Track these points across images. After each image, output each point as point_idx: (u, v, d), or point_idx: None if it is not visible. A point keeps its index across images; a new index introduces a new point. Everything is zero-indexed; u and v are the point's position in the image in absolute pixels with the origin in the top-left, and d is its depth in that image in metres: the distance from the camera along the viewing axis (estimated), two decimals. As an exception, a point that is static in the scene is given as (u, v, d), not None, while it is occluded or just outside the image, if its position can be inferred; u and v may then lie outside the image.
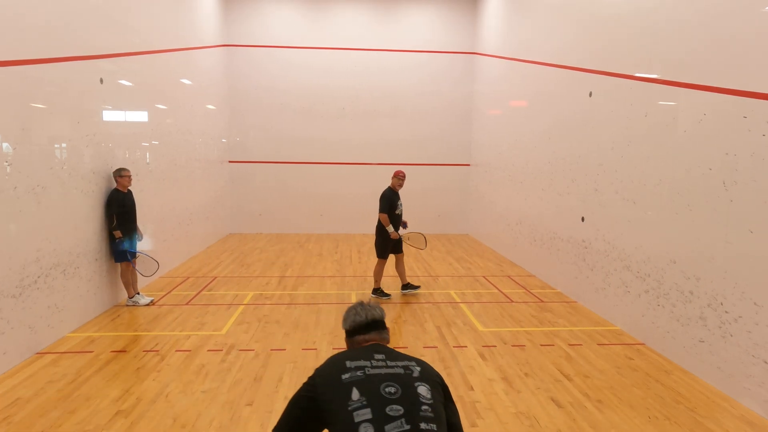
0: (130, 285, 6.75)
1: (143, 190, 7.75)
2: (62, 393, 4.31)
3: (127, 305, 6.73)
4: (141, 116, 7.94)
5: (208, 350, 5.30)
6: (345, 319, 2.25)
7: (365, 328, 2.15)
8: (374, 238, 7.65)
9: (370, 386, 1.78)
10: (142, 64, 7.86)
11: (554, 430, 3.83)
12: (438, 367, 4.93)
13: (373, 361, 1.90)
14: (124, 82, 7.24)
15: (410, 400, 1.77)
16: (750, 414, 4.10)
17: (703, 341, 4.74)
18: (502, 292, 7.74)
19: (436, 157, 13.54)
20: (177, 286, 7.87)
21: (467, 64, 13.27)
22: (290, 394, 4.33)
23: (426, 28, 13.23)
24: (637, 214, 5.80)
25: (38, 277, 5.20)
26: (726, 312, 4.45)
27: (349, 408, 1.72)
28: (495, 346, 5.50)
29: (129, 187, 6.76)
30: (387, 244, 7.38)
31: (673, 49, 5.20)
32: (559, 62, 7.96)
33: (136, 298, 6.77)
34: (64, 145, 5.77)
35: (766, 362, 4.05)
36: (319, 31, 13.03)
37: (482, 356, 5.24)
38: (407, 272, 9.11)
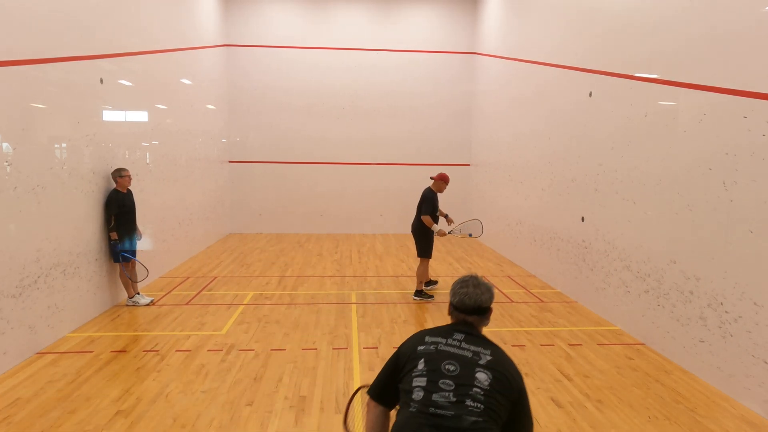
0: (130, 285, 6.75)
1: (143, 190, 7.75)
2: (62, 393, 4.31)
3: (127, 305, 6.74)
4: (141, 116, 7.94)
5: (208, 350, 5.30)
6: (454, 293, 2.30)
7: (467, 311, 2.27)
8: (409, 239, 7.86)
9: (435, 360, 2.06)
10: (142, 64, 7.86)
11: (554, 430, 3.83)
12: (438, 367, 4.94)
13: (449, 340, 2.15)
14: (124, 82, 7.24)
15: (465, 380, 1.99)
16: (750, 414, 4.10)
17: (703, 341, 4.74)
18: (502, 292, 7.74)
19: (436, 156, 13.53)
20: (177, 286, 7.87)
21: (467, 64, 13.27)
22: (290, 394, 4.37)
23: (425, 27, 13.23)
24: (637, 214, 5.80)
25: (38, 277, 5.20)
26: (726, 312, 4.45)
27: (413, 374, 2.05)
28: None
29: (129, 187, 6.75)
30: (431, 244, 7.33)
31: (673, 49, 5.20)
32: (558, 62, 7.96)
33: (136, 298, 6.77)
34: (64, 145, 5.77)
35: (766, 362, 4.05)
36: (319, 30, 13.03)
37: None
38: (408, 273, 9.11)
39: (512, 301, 7.23)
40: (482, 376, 2.01)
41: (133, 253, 6.80)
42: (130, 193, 6.77)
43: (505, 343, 5.60)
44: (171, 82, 9.21)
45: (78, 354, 5.15)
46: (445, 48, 13.29)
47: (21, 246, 4.97)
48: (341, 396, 4.34)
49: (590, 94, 6.89)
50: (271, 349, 5.35)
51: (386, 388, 2.18)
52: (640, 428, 3.87)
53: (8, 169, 4.80)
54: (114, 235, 6.47)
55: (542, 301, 7.24)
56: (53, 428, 3.76)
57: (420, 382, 2.01)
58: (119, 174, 6.58)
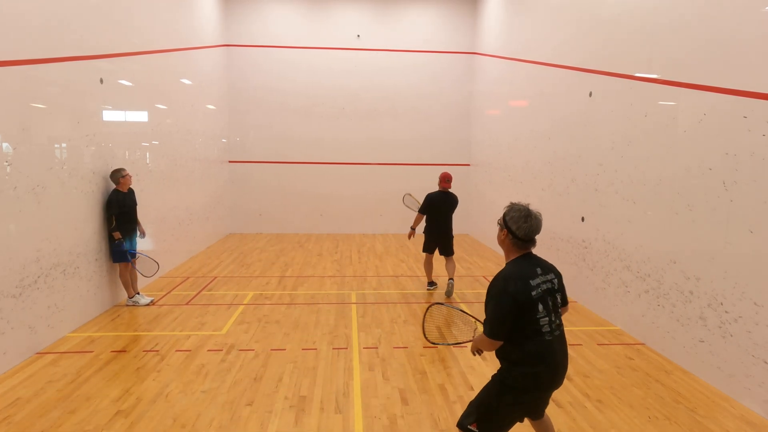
0: (130, 285, 6.75)
1: (143, 190, 7.75)
2: (62, 393, 4.31)
3: (127, 305, 6.73)
4: (141, 116, 7.94)
5: (208, 350, 5.30)
6: (518, 226, 2.73)
7: (533, 241, 2.79)
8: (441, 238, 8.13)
9: (545, 301, 2.72)
10: (142, 64, 7.86)
11: (554, 430, 3.82)
12: (438, 368, 4.95)
13: (539, 278, 2.73)
14: (124, 82, 7.24)
15: (556, 307, 2.79)
16: (750, 414, 4.10)
17: (703, 341, 4.74)
18: (502, 292, 7.73)
19: (436, 157, 13.53)
20: (177, 286, 7.87)
21: (467, 64, 13.27)
22: (290, 394, 4.37)
23: (426, 28, 13.23)
24: (637, 214, 5.80)
25: (38, 277, 5.20)
26: (726, 312, 4.45)
27: (537, 317, 2.68)
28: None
29: (130, 186, 6.76)
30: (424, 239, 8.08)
31: (673, 49, 5.20)
32: (558, 62, 7.96)
33: (136, 298, 6.77)
34: (64, 145, 5.77)
35: (766, 362, 4.05)
36: (319, 31, 13.03)
37: (482, 356, 5.24)
38: (408, 273, 9.12)
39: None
40: (559, 298, 2.83)
41: (133, 253, 6.80)
42: (131, 192, 6.77)
43: (505, 343, 5.59)
44: (171, 82, 9.21)
45: (78, 354, 5.15)
46: (445, 48, 13.29)
47: (21, 246, 4.97)
48: (341, 396, 4.34)
49: (590, 94, 6.89)
50: (271, 349, 5.35)
51: (507, 330, 2.67)
52: (640, 428, 3.87)
53: (8, 169, 4.80)
54: (117, 235, 6.48)
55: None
56: (53, 428, 3.76)
57: (544, 321, 2.69)
58: (120, 174, 6.57)
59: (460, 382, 4.63)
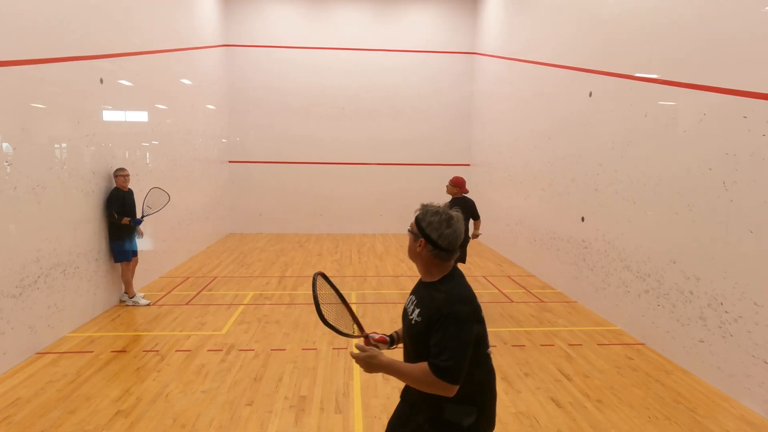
0: (131, 285, 6.77)
1: (143, 190, 7.74)
2: (62, 393, 4.31)
3: (128, 305, 6.74)
4: (141, 116, 7.94)
5: (208, 350, 5.30)
6: (441, 233, 2.09)
7: (456, 251, 2.14)
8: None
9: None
10: (142, 64, 7.86)
11: (554, 430, 3.83)
12: (438, 367, 4.93)
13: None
14: (124, 82, 7.24)
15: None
16: (750, 414, 4.10)
17: (703, 341, 4.73)
18: (502, 292, 7.74)
19: (436, 157, 13.54)
20: (177, 286, 7.87)
21: (467, 64, 13.27)
22: (290, 394, 4.36)
23: (426, 28, 13.23)
24: (637, 214, 5.80)
25: (38, 277, 5.20)
26: (726, 312, 4.45)
27: (485, 339, 2.16)
28: (495, 346, 5.50)
29: (129, 187, 6.79)
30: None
31: (673, 49, 5.20)
32: (559, 62, 7.96)
33: (137, 298, 6.78)
34: (64, 145, 5.77)
35: (766, 362, 4.05)
36: (319, 31, 13.03)
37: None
38: (408, 273, 9.12)
39: (512, 301, 7.23)
40: None
41: (134, 252, 6.85)
42: (130, 192, 6.80)
43: (506, 343, 5.60)
44: (171, 82, 9.21)
45: (78, 354, 5.15)
46: (446, 48, 13.29)
47: (21, 246, 4.97)
48: (341, 396, 4.34)
49: (590, 94, 6.89)
50: (271, 349, 5.35)
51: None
52: (640, 428, 3.87)
53: (8, 169, 4.79)
54: (126, 220, 6.55)
55: (542, 301, 7.24)
56: (53, 428, 3.76)
57: (486, 341, 2.17)
58: (117, 173, 6.63)
59: (460, 382, 4.62)
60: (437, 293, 2.07)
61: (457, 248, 2.12)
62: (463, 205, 6.56)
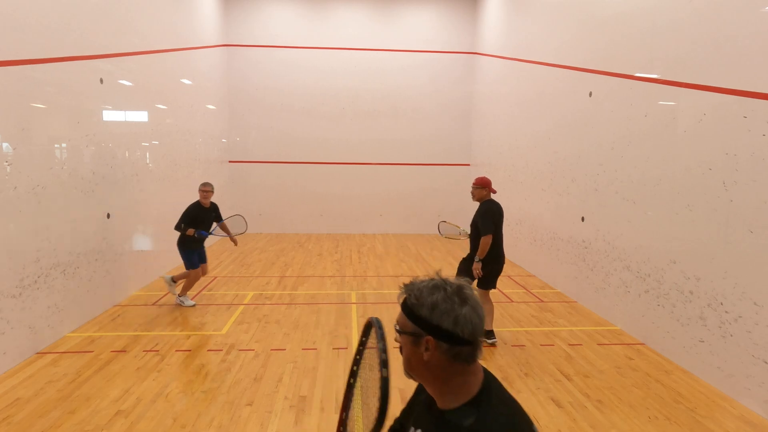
0: (188, 288, 6.87)
1: (143, 190, 7.75)
2: (62, 393, 4.31)
3: (176, 303, 6.83)
4: (141, 116, 7.94)
5: (208, 350, 5.30)
6: (456, 317, 1.26)
7: (478, 343, 1.31)
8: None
9: None
10: (142, 64, 7.86)
11: (554, 430, 3.83)
12: (438, 367, 4.93)
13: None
14: (124, 82, 7.24)
15: None
16: (750, 414, 4.10)
17: (703, 341, 4.73)
18: (502, 292, 7.74)
19: (436, 157, 13.54)
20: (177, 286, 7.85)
21: (467, 64, 13.27)
22: (290, 394, 4.35)
23: (426, 28, 13.23)
24: (637, 214, 5.80)
25: (38, 277, 5.20)
26: (726, 312, 4.45)
27: None
28: (495, 347, 5.50)
29: (213, 203, 6.90)
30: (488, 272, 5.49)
31: (673, 49, 5.20)
32: (559, 62, 7.96)
33: (184, 298, 6.82)
34: (64, 145, 5.77)
35: (766, 362, 4.04)
36: (319, 31, 13.03)
37: (482, 356, 5.23)
38: (408, 273, 9.10)
39: (512, 301, 7.23)
40: None
41: (202, 260, 6.97)
42: (211, 208, 6.91)
43: (506, 343, 5.60)
44: (171, 82, 9.21)
45: (78, 354, 5.15)
46: (446, 48, 13.29)
47: (21, 246, 4.97)
48: (341, 396, 4.33)
49: (590, 94, 6.89)
50: (271, 349, 5.35)
51: None
52: (640, 428, 3.87)
53: (8, 169, 4.79)
54: (191, 231, 6.61)
55: (542, 301, 7.24)
56: (53, 428, 3.76)
57: None
58: (199, 187, 6.79)
59: (460, 382, 4.62)
60: None
61: (478, 341, 1.30)
62: (497, 211, 5.64)
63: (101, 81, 6.54)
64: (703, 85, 4.76)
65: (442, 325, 1.25)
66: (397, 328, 1.35)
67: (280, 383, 4.55)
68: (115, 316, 6.38)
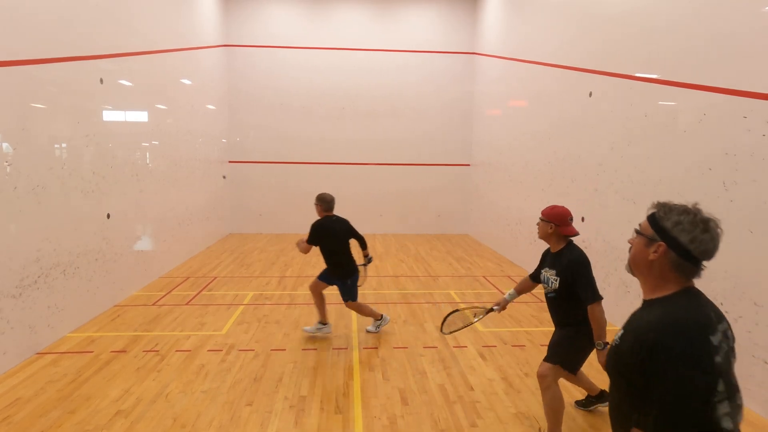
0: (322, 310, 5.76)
1: (143, 191, 7.75)
2: (62, 393, 4.31)
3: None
4: (141, 116, 7.94)
5: (208, 350, 5.30)
6: (694, 237, 1.61)
7: (701, 263, 1.66)
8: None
9: (728, 374, 1.51)
10: (142, 64, 7.86)
11: None
12: (438, 367, 4.94)
13: (718, 332, 1.55)
14: (124, 82, 7.24)
15: (735, 382, 1.53)
16: (750, 414, 4.10)
17: (703, 341, 4.73)
18: (502, 292, 7.74)
19: (436, 157, 13.54)
20: (177, 286, 7.86)
21: (467, 64, 13.27)
22: (290, 395, 4.35)
23: (425, 27, 13.23)
24: (637, 214, 5.79)
25: (38, 277, 5.20)
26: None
27: (715, 399, 1.46)
28: (495, 347, 5.50)
29: (336, 215, 5.80)
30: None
31: (673, 49, 5.20)
32: (559, 62, 7.96)
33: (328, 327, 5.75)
34: (64, 145, 5.77)
35: (766, 362, 4.04)
36: (319, 31, 13.03)
37: (482, 356, 5.24)
38: (408, 273, 9.10)
39: (512, 301, 7.21)
40: (734, 363, 1.58)
41: (351, 284, 5.60)
42: (337, 221, 5.75)
43: (506, 344, 5.60)
44: (171, 82, 9.21)
45: (78, 354, 5.15)
46: (445, 48, 13.29)
47: (21, 246, 4.97)
48: (341, 396, 4.34)
49: (590, 94, 6.89)
50: (271, 349, 5.35)
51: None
52: (640, 428, 3.86)
53: (8, 169, 4.80)
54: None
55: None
56: (53, 428, 3.76)
57: (724, 408, 1.47)
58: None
59: (460, 382, 4.62)
60: (649, 314, 1.60)
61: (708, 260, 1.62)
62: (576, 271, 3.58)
63: (101, 81, 6.54)
64: (703, 85, 4.76)
65: (680, 238, 1.61)
66: (638, 229, 1.74)
67: (280, 383, 4.55)
68: (115, 316, 6.38)
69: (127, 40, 7.35)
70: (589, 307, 3.51)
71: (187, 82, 9.99)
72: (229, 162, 13.05)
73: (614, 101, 6.29)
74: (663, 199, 1.82)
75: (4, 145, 4.77)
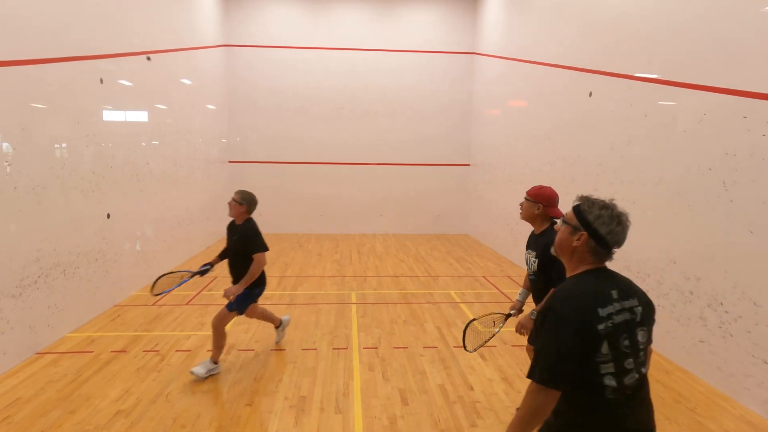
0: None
1: (143, 191, 7.75)
2: (62, 393, 4.31)
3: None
4: (141, 116, 7.93)
5: (208, 350, 5.29)
6: (611, 230, 1.95)
7: (612, 248, 1.97)
8: None
9: (614, 340, 1.84)
10: (142, 64, 7.86)
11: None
12: (438, 368, 4.94)
13: (615, 304, 1.87)
14: (124, 82, 7.24)
15: (636, 349, 1.90)
16: (750, 414, 4.10)
17: (703, 341, 4.74)
18: (502, 292, 7.74)
19: (436, 157, 13.54)
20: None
21: (467, 64, 13.27)
22: (290, 394, 4.35)
23: (426, 27, 13.23)
24: (637, 214, 5.78)
25: (38, 277, 5.20)
26: (726, 312, 4.45)
27: (597, 359, 1.81)
28: (495, 346, 5.50)
29: (234, 218, 4.82)
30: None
31: (673, 49, 5.20)
32: (559, 62, 7.96)
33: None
34: (64, 145, 5.77)
35: (766, 362, 4.05)
36: (319, 31, 13.03)
37: (482, 356, 5.24)
38: (408, 273, 9.10)
39: (512, 301, 7.22)
40: (642, 336, 1.94)
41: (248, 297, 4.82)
42: (237, 225, 4.81)
43: (506, 344, 5.60)
44: (171, 83, 9.21)
45: (78, 354, 5.15)
46: (445, 48, 13.29)
47: (21, 246, 4.97)
48: (341, 396, 4.34)
49: (590, 94, 6.89)
50: (271, 349, 5.35)
51: (569, 370, 1.81)
52: (640, 428, 3.87)
53: (8, 169, 4.80)
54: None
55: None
56: (53, 428, 3.76)
57: (608, 368, 1.83)
58: None
59: (460, 383, 4.62)
60: (560, 288, 1.95)
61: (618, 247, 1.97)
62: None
63: (101, 81, 6.54)
64: (703, 85, 4.76)
65: (600, 230, 1.94)
66: (564, 219, 2.05)
67: (280, 383, 4.55)
68: (115, 316, 6.38)
69: (127, 41, 7.35)
70: (553, 289, 3.26)
71: (187, 82, 9.99)
72: (229, 162, 13.05)
73: (614, 101, 6.29)
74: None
75: (4, 145, 4.77)
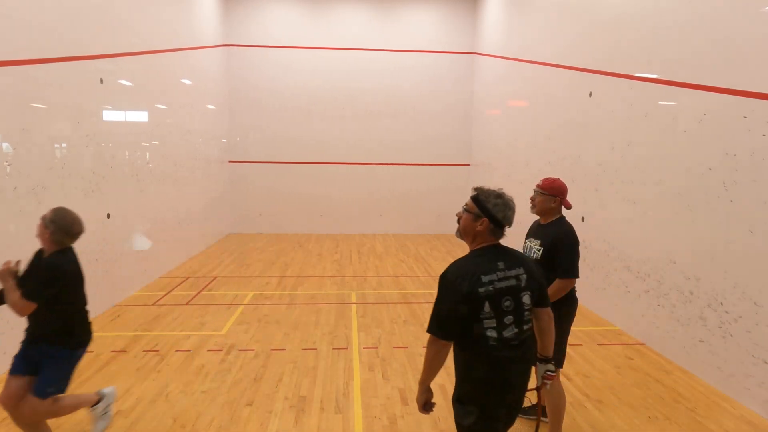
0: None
1: (143, 191, 7.75)
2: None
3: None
4: (141, 116, 7.94)
5: (208, 350, 5.30)
6: (497, 209, 2.37)
7: (505, 228, 2.42)
8: None
9: (495, 300, 2.27)
10: (142, 64, 7.86)
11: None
12: (438, 367, 4.94)
13: (498, 273, 2.30)
14: (124, 82, 7.24)
15: (519, 309, 2.33)
16: (750, 414, 4.10)
17: (703, 341, 4.74)
18: (502, 292, 7.74)
19: (436, 157, 13.54)
20: (177, 286, 7.86)
21: (467, 65, 13.27)
22: (290, 394, 4.35)
23: (426, 28, 13.23)
24: (637, 214, 5.80)
25: (38, 277, 5.19)
26: (726, 312, 4.45)
27: (481, 316, 2.25)
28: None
29: (43, 246, 3.54)
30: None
31: (673, 49, 5.20)
32: (559, 62, 7.96)
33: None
34: (64, 145, 5.77)
35: (766, 362, 4.05)
36: (319, 31, 13.03)
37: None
38: (408, 273, 9.10)
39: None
40: (527, 298, 2.36)
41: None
42: (39, 254, 3.62)
43: (505, 343, 5.59)
44: (171, 83, 9.21)
45: (78, 354, 5.14)
46: (446, 48, 13.29)
47: (21, 246, 4.96)
48: (341, 396, 4.34)
49: (590, 95, 6.89)
50: (271, 349, 5.35)
51: (454, 327, 2.29)
52: (640, 428, 3.87)
53: (8, 169, 4.80)
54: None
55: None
56: (53, 428, 3.75)
57: (490, 323, 2.26)
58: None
59: (460, 382, 4.62)
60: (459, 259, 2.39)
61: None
62: (566, 247, 3.46)
63: (101, 81, 6.54)
64: (703, 85, 4.76)
65: (497, 215, 2.35)
66: (465, 208, 2.44)
67: (280, 383, 4.55)
68: (115, 316, 6.38)
69: (127, 41, 7.35)
70: (558, 279, 3.39)
71: (186, 82, 9.99)
72: (229, 162, 13.05)
73: (614, 101, 6.29)
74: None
75: (4, 145, 4.77)
